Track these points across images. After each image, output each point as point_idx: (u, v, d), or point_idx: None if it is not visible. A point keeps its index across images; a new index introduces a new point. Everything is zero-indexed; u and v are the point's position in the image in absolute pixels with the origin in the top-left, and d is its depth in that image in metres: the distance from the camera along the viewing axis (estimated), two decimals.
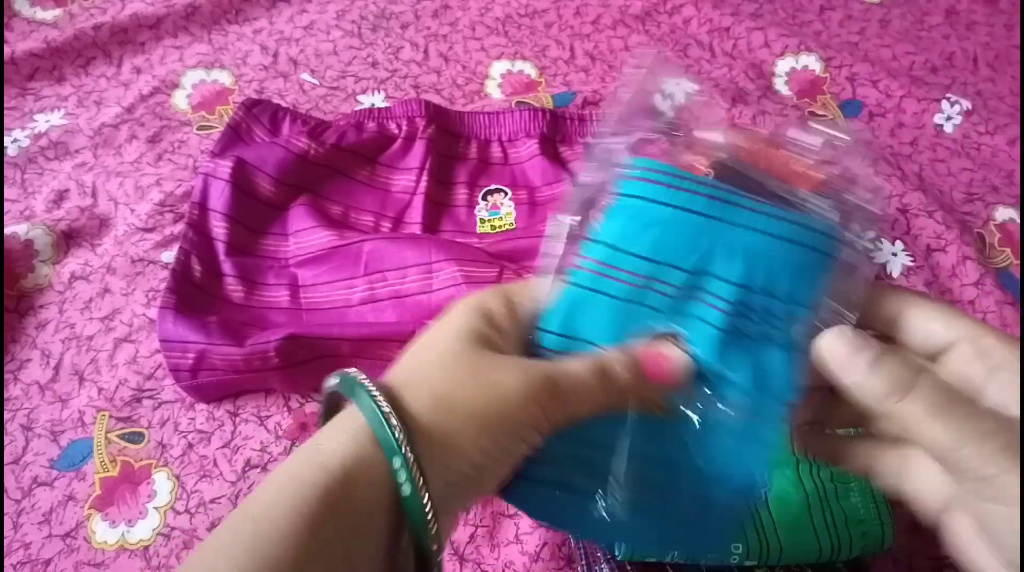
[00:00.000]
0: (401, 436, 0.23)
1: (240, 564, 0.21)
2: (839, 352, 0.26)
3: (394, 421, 0.24)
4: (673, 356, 0.27)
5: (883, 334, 0.27)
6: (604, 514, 0.27)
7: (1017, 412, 0.24)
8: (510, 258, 0.54)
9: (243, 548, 0.22)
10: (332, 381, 0.27)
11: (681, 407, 0.28)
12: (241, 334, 0.48)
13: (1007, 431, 0.23)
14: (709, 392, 0.28)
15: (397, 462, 0.23)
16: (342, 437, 0.24)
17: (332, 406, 0.27)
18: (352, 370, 0.26)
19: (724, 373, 0.27)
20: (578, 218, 0.29)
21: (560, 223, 0.29)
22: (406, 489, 0.23)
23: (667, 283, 0.28)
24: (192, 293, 0.50)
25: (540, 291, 0.29)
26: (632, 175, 0.29)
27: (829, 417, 0.30)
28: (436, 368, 0.26)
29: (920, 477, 0.27)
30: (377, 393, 0.24)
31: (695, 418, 0.28)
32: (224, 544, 0.23)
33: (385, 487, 0.23)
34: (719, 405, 0.27)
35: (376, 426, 0.24)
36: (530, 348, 0.28)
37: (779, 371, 0.27)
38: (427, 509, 0.23)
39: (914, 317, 0.27)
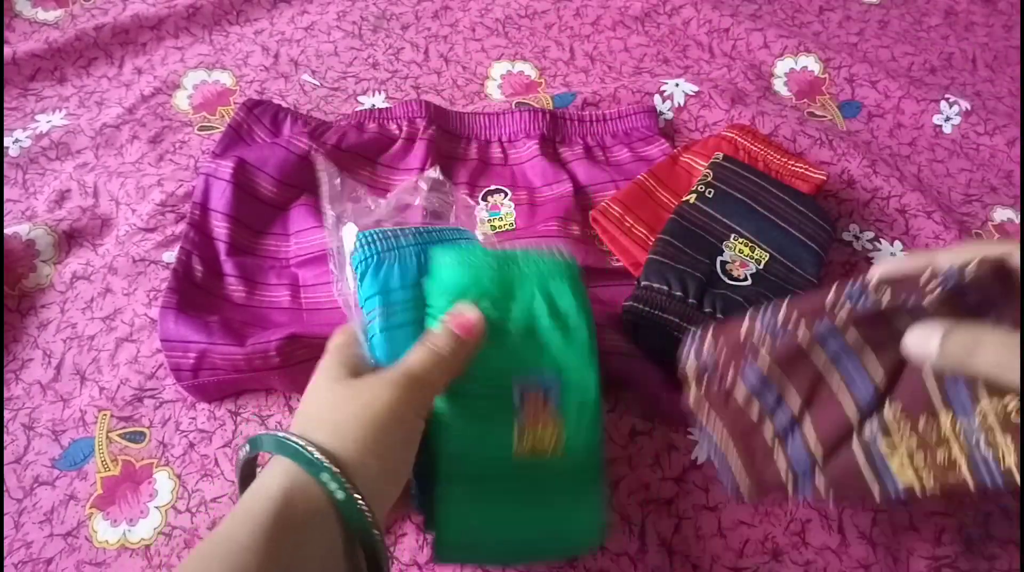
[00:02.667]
0: (320, 456, 0.30)
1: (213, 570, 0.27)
2: (914, 344, 0.32)
3: (311, 448, 0.30)
4: (469, 311, 0.38)
5: None
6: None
7: None
8: None
9: (215, 561, 0.27)
10: (244, 450, 0.34)
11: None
12: (242, 334, 0.48)
13: None
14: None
15: (325, 476, 0.30)
16: (275, 474, 0.30)
17: (248, 474, 0.35)
18: (260, 434, 0.33)
19: None
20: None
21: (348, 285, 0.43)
22: (339, 495, 0.30)
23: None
24: (193, 293, 0.50)
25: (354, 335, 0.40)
26: (361, 245, 0.41)
27: None
28: (323, 407, 0.34)
29: None
30: (289, 436, 0.31)
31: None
32: (196, 562, 0.28)
33: (321, 500, 0.30)
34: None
35: (298, 457, 0.30)
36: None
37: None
38: (361, 504, 0.30)
39: None
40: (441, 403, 0.37)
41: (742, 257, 0.51)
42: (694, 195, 0.54)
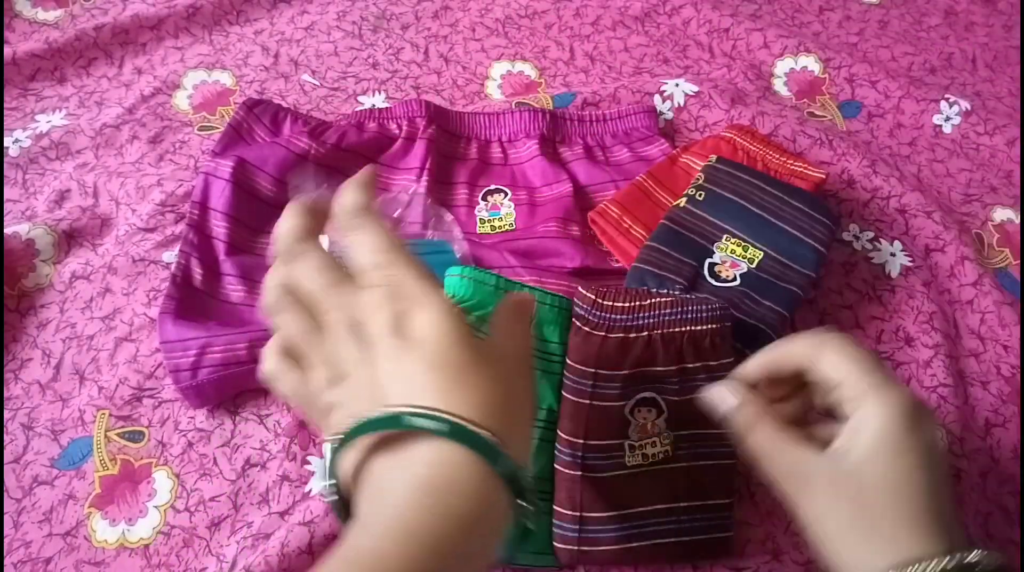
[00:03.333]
0: (525, 476, 0.28)
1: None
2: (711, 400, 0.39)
3: (518, 466, 0.28)
4: (525, 293, 0.44)
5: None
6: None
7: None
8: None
9: (418, 564, 0.26)
10: (408, 420, 0.28)
11: None
12: (242, 329, 0.48)
13: None
14: None
15: (527, 499, 0.29)
16: (468, 477, 0.27)
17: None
18: (435, 413, 0.28)
19: None
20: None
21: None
22: (531, 512, 0.29)
23: None
24: (192, 297, 0.50)
25: None
26: None
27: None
28: (487, 387, 0.30)
29: None
30: (493, 437, 0.28)
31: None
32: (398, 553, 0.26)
33: (502, 504, 0.28)
34: None
35: (509, 475, 0.28)
36: None
37: None
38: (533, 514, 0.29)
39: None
40: None
41: (733, 257, 0.51)
42: (684, 199, 0.55)
